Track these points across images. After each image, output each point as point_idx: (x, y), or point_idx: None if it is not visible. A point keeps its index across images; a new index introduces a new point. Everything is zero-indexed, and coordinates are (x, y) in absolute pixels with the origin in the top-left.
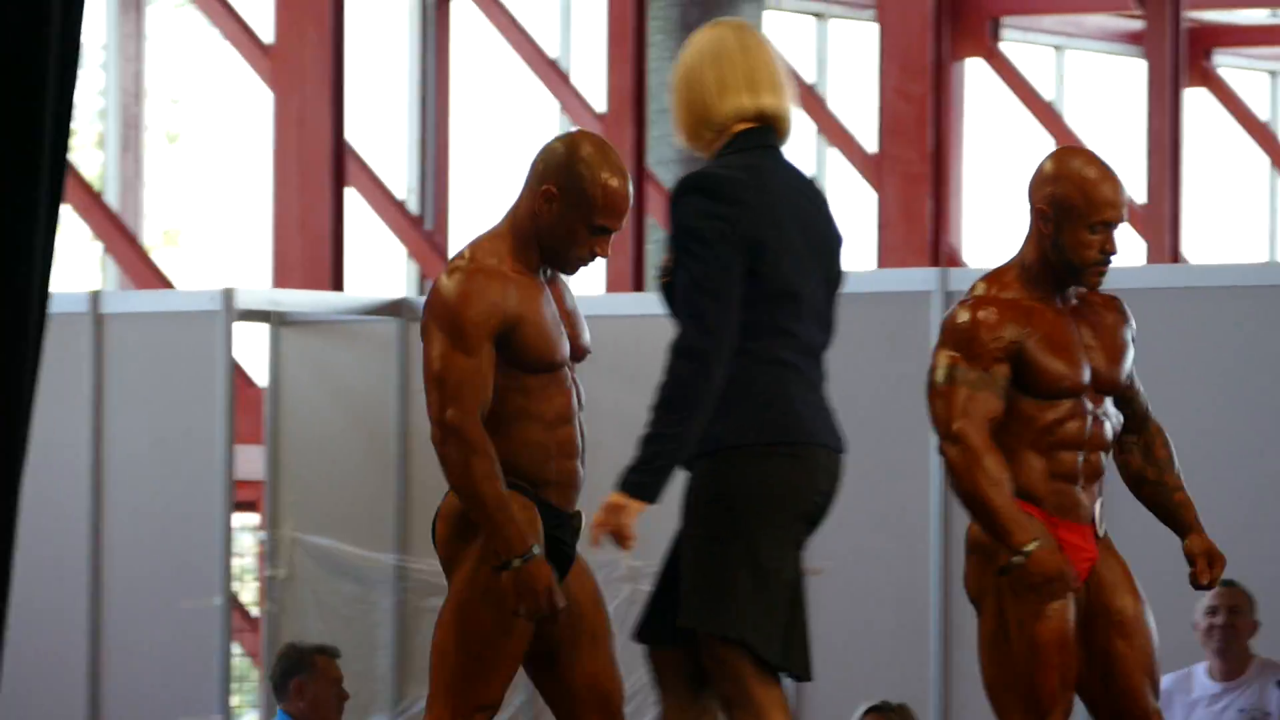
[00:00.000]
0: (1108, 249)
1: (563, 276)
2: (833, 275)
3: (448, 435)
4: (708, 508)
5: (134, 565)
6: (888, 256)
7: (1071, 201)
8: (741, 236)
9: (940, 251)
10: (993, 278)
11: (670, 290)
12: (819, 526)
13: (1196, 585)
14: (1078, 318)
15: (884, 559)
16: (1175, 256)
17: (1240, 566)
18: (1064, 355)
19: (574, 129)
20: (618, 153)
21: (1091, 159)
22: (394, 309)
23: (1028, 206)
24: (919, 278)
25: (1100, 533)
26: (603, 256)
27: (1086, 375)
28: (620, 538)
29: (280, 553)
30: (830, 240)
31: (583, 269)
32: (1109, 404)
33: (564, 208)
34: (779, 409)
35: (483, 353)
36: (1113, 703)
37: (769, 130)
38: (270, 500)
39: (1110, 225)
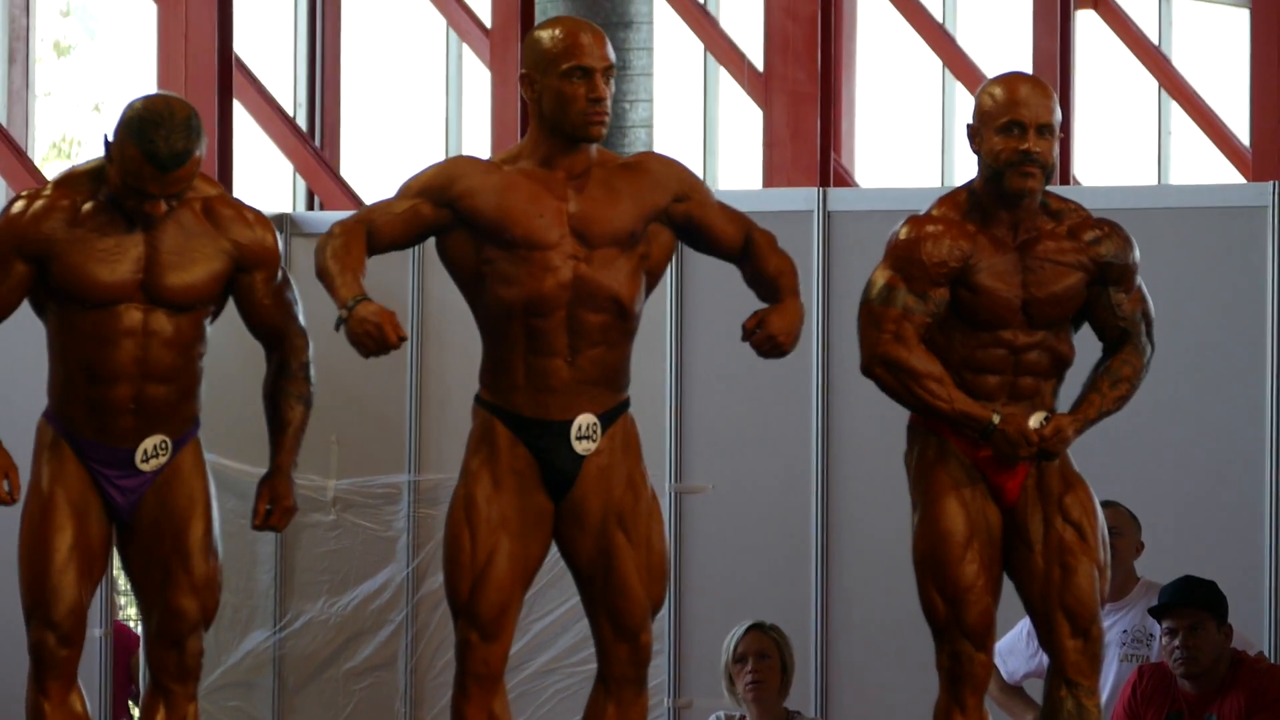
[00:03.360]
0: (1023, 148)
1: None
2: None
3: None
4: None
5: None
6: (775, 176)
7: (982, 107)
8: None
9: (829, 171)
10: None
11: None
12: None
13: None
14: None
15: (766, 481)
16: (1066, 179)
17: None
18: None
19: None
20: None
21: (1011, 73)
22: (277, 224)
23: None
24: (799, 197)
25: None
26: (600, 97)
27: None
28: None
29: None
30: None
31: (594, 123)
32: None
33: (539, 75)
34: None
35: None
36: (1042, 623)
37: None
38: None
39: (1019, 124)
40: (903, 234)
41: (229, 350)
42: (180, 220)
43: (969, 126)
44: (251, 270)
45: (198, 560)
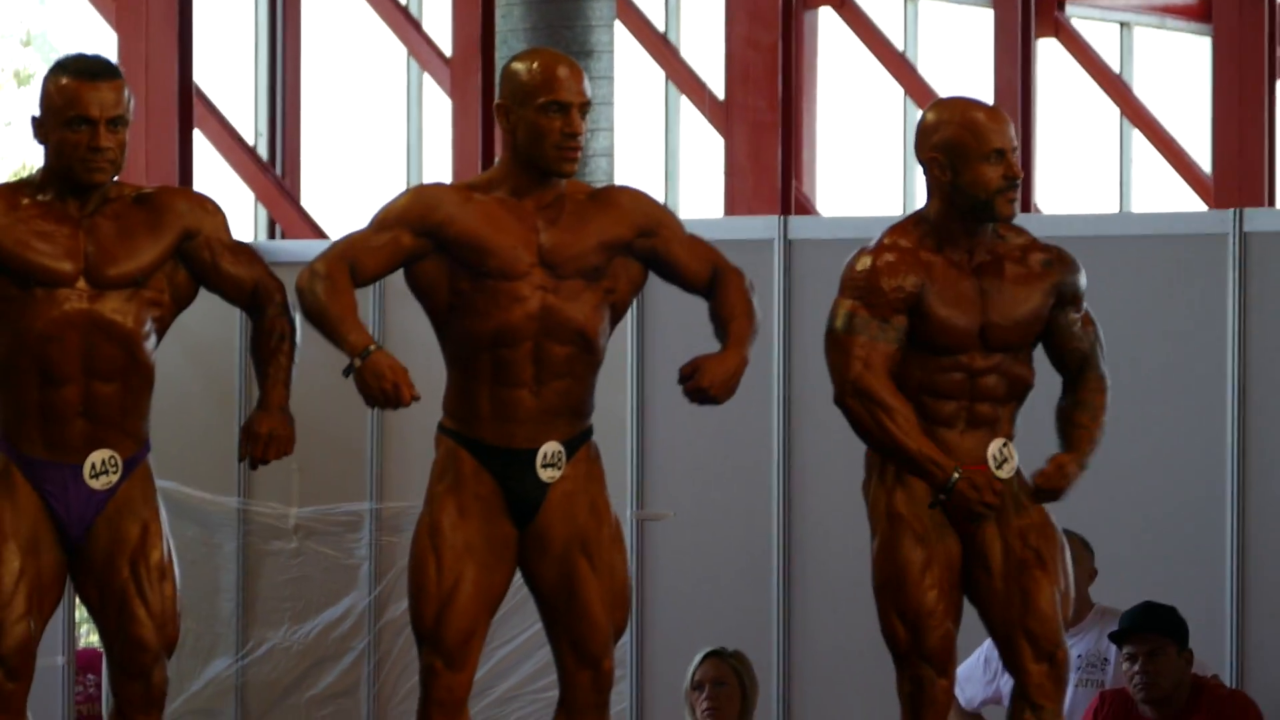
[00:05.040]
0: (1010, 174)
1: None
2: None
3: None
4: None
5: None
6: (736, 204)
7: (959, 140)
8: None
9: (790, 199)
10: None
11: None
12: None
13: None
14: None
15: (727, 507)
16: (1027, 207)
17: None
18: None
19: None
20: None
21: (968, 100)
22: None
23: (921, 165)
24: (760, 225)
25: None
26: (574, 133)
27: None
28: None
29: None
30: None
31: (568, 159)
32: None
33: (514, 106)
34: None
35: None
36: (1005, 647)
37: None
38: None
39: (999, 152)
40: (858, 265)
41: (183, 373)
42: (116, 211)
43: (932, 158)
44: (200, 233)
45: (154, 591)
